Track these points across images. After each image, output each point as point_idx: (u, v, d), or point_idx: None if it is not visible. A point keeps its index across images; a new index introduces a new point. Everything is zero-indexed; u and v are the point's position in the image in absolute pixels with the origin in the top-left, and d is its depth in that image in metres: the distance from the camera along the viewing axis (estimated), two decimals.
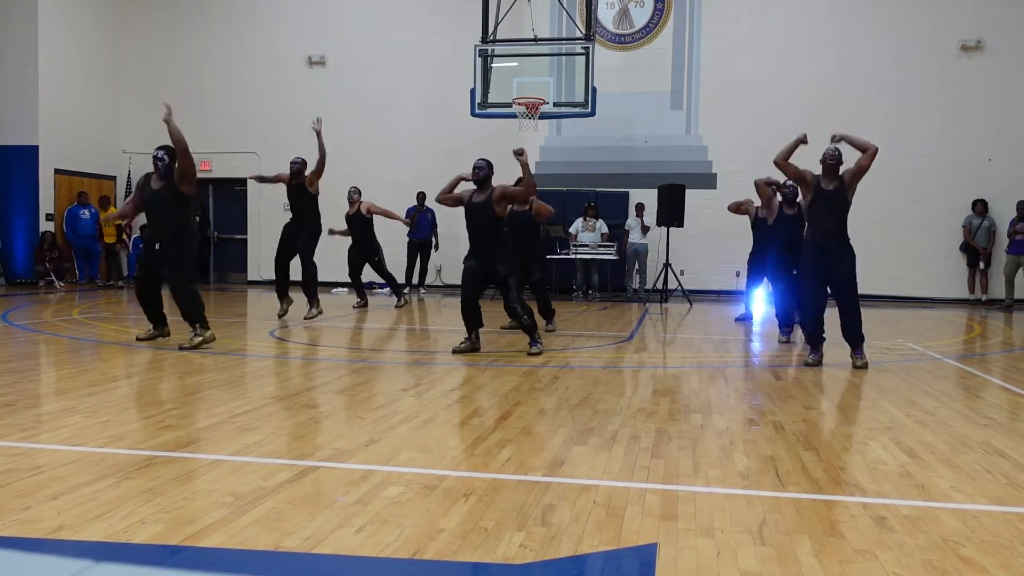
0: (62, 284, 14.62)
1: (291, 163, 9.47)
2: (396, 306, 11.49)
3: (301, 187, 9.33)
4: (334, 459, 3.54)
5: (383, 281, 11.63)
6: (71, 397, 4.84)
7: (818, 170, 6.63)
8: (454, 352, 6.84)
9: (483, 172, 6.87)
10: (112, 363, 6.27)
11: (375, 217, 11.03)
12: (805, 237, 6.71)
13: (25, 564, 2.45)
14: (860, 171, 6.46)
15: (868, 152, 6.39)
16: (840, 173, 6.51)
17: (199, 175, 18.43)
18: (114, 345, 7.38)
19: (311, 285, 9.41)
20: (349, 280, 11.34)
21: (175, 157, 6.84)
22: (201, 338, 6.91)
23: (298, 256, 9.41)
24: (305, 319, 9.21)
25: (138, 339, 7.29)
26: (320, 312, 9.41)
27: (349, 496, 3.00)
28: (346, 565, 2.44)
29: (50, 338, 7.91)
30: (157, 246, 6.95)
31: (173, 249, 6.86)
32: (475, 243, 6.93)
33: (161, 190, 6.86)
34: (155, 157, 6.91)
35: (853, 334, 6.53)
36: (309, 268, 9.41)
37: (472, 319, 6.95)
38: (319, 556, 2.46)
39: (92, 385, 5.22)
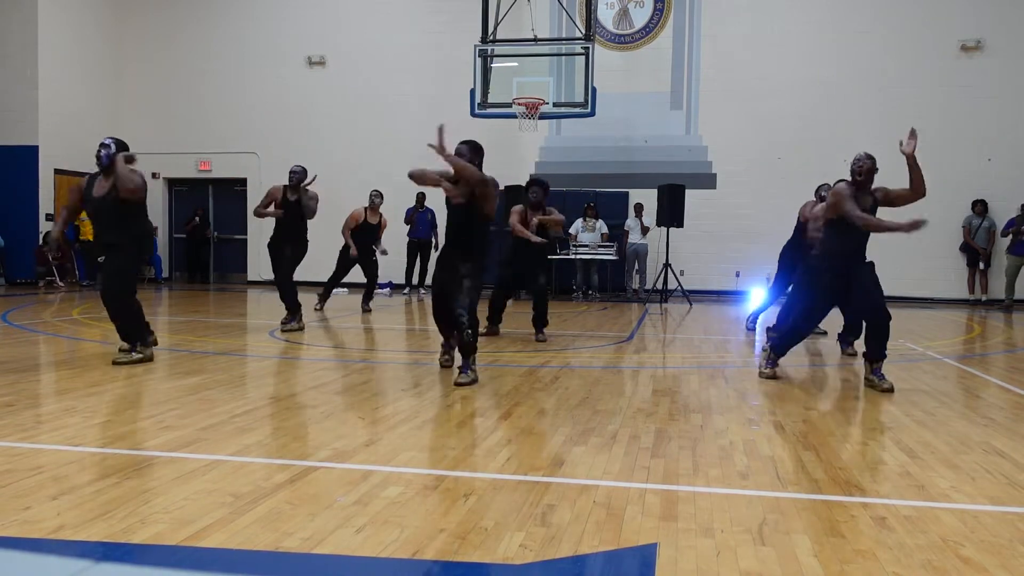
0: (62, 284, 14.63)
1: (291, 172, 8.49)
2: (364, 310, 10.85)
3: (298, 203, 8.47)
4: (334, 459, 3.54)
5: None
6: (71, 397, 4.84)
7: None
8: (442, 366, 6.11)
9: (465, 159, 5.65)
10: (112, 363, 6.26)
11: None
12: (820, 257, 5.76)
13: (25, 564, 2.45)
14: (894, 201, 5.54)
15: (915, 194, 5.42)
16: (873, 188, 5.56)
17: (199, 175, 18.39)
18: (114, 345, 7.37)
19: (294, 296, 8.58)
20: (333, 281, 10.78)
21: (122, 147, 6.04)
22: (141, 356, 6.13)
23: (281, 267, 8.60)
24: (283, 330, 8.40)
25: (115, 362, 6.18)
26: (302, 327, 8.59)
27: (349, 496, 3.00)
28: (346, 565, 2.44)
29: (50, 338, 7.91)
30: (101, 260, 6.19)
31: (114, 259, 6.05)
32: (448, 237, 5.90)
33: (105, 196, 6.01)
34: (102, 144, 6.04)
35: (877, 348, 5.53)
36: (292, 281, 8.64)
37: (446, 325, 5.97)
38: (319, 556, 2.46)
39: (92, 385, 5.22)
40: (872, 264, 5.68)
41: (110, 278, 6.07)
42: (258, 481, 3.17)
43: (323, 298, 10.91)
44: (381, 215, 11.08)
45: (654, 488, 3.19)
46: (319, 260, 10.41)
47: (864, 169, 5.50)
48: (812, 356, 7.41)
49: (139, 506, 2.84)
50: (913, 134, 5.29)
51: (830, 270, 5.61)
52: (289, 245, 8.57)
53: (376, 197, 10.93)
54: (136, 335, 6.18)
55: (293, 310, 8.54)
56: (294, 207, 8.49)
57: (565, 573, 2.43)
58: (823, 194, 8.35)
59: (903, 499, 3.13)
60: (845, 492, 3.20)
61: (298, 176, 8.51)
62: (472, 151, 5.73)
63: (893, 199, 5.58)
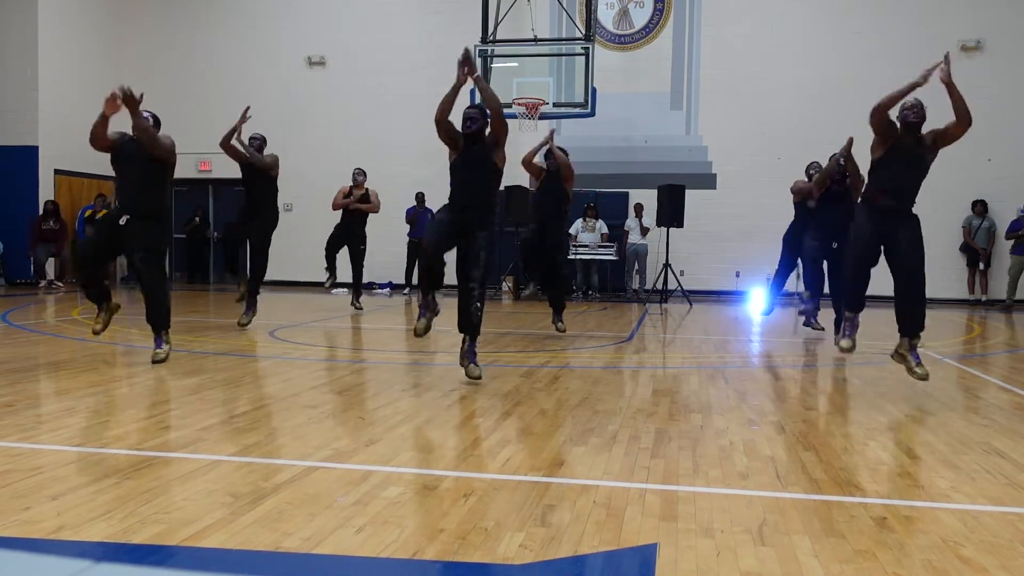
0: (61, 284, 14.62)
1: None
2: (354, 304, 10.82)
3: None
4: (334, 459, 3.54)
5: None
6: (71, 397, 4.84)
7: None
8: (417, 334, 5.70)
9: (477, 124, 5.64)
10: (112, 363, 6.26)
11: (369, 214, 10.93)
12: (864, 196, 5.57)
13: (25, 564, 2.45)
14: (946, 138, 5.40)
15: (962, 121, 5.31)
16: (922, 133, 5.49)
17: (199, 175, 18.38)
18: (114, 345, 7.38)
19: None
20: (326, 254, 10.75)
21: (157, 123, 6.29)
22: (169, 346, 6.12)
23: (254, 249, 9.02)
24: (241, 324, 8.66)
25: (96, 332, 6.27)
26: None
27: (349, 496, 3.00)
28: (346, 565, 2.44)
29: (50, 338, 7.91)
30: (124, 220, 5.92)
31: (155, 230, 5.97)
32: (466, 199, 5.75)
33: (142, 152, 6.16)
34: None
35: (914, 321, 5.27)
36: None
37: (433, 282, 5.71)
38: (319, 556, 2.46)
39: (92, 385, 5.22)
40: (917, 219, 5.42)
41: (155, 249, 6.02)
42: (258, 481, 3.17)
43: (356, 295, 10.95)
44: (368, 190, 10.92)
45: (654, 488, 3.19)
46: (313, 259, 10.38)
47: (914, 108, 5.53)
48: (812, 356, 7.41)
49: (139, 506, 2.84)
50: (947, 59, 5.33)
51: (877, 206, 5.41)
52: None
53: (359, 175, 10.95)
54: (167, 322, 6.11)
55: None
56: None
57: (565, 573, 2.43)
58: (812, 172, 8.86)
59: (903, 499, 3.13)
60: (845, 492, 3.19)
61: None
62: (483, 115, 5.68)
63: (946, 134, 5.46)
